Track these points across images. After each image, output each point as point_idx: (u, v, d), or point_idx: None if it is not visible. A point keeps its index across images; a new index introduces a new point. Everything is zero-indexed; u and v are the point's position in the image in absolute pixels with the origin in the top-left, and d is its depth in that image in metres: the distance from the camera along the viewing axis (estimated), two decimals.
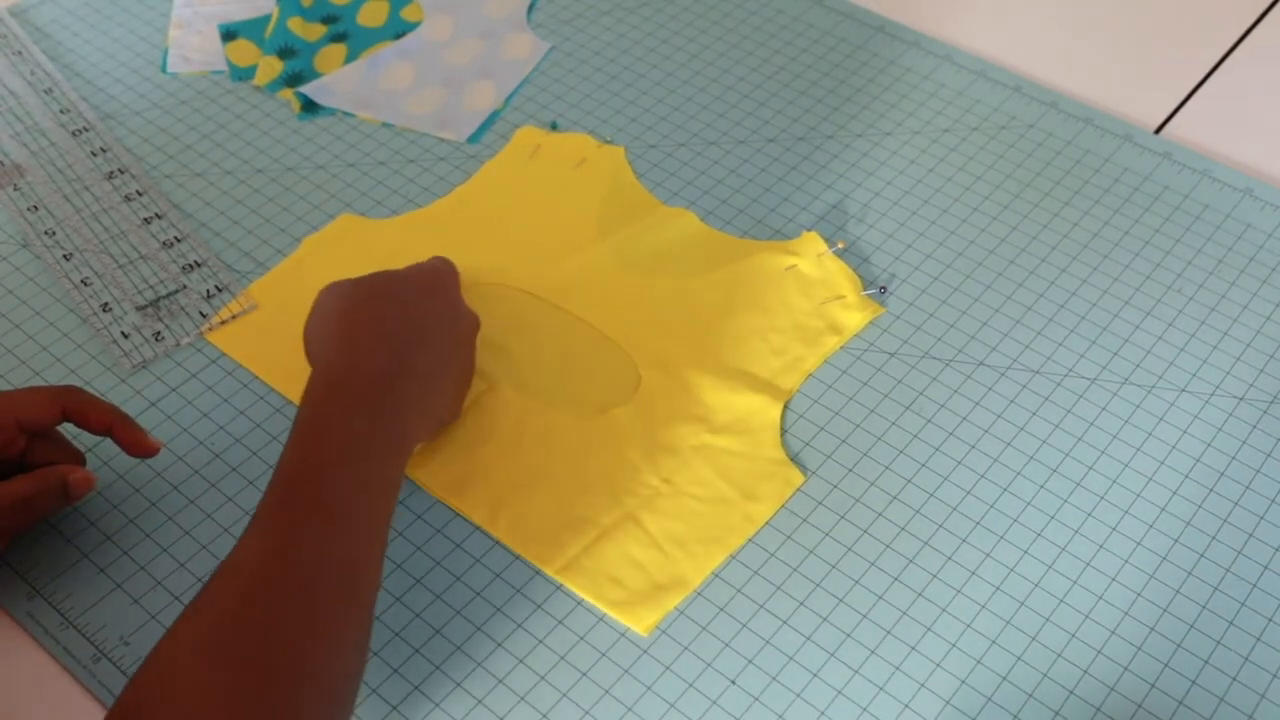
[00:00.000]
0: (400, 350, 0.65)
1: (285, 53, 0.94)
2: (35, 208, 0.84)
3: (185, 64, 0.95)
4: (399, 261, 0.81)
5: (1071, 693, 0.63)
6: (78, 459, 0.68)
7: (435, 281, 0.72)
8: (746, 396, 0.73)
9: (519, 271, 0.80)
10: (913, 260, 0.81)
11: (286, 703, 0.52)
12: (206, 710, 0.50)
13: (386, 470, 0.61)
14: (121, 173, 0.86)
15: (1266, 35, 0.97)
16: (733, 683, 0.63)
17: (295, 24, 0.96)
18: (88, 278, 0.80)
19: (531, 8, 0.99)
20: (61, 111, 0.90)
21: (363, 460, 0.60)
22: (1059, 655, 0.64)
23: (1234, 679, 0.63)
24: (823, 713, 0.62)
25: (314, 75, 0.93)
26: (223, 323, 0.77)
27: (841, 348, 0.76)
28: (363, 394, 0.62)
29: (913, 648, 0.64)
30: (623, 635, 0.65)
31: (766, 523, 0.69)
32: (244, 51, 0.95)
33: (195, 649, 0.52)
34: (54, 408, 0.66)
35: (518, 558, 0.68)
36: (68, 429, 0.68)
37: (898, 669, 0.64)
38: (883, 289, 0.79)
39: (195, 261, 0.81)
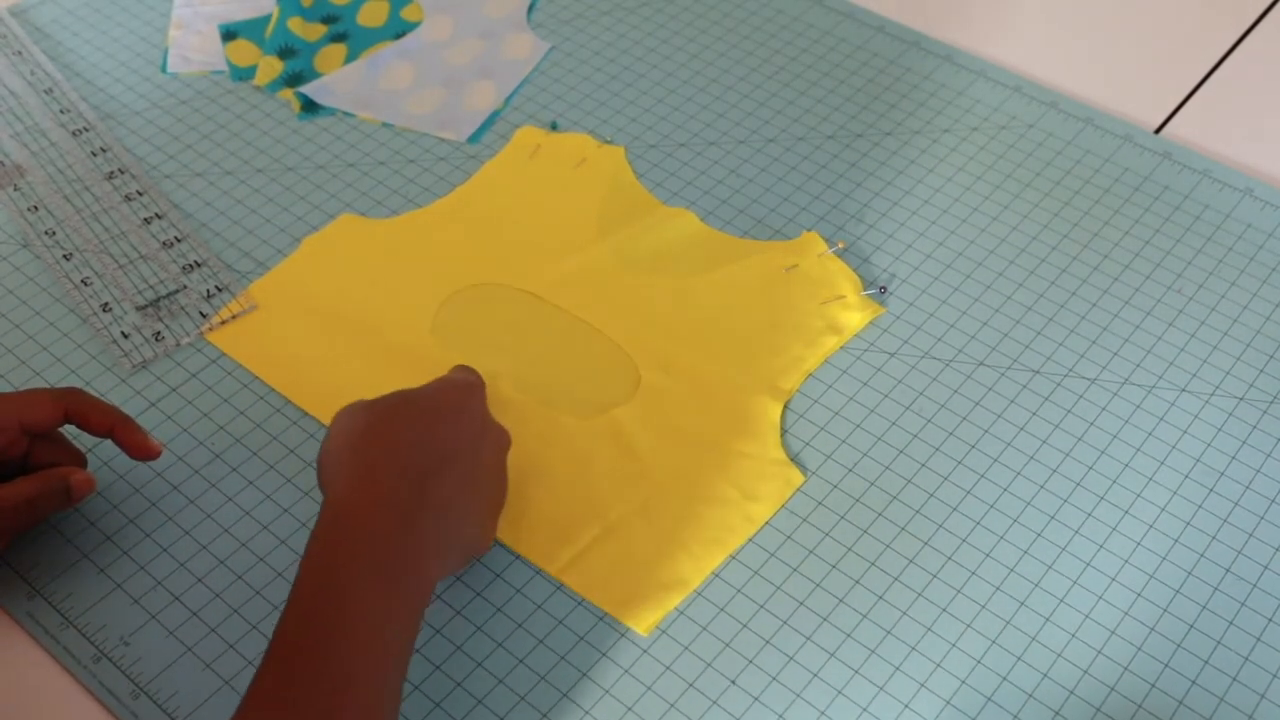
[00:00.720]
0: (419, 481, 0.59)
1: (285, 53, 0.94)
2: (35, 208, 0.84)
3: (185, 64, 0.95)
4: (399, 261, 0.81)
5: (1071, 693, 0.63)
6: (79, 460, 0.68)
7: (460, 399, 0.65)
8: (747, 396, 0.73)
9: (519, 271, 0.80)
10: (913, 260, 0.81)
11: None
12: None
13: (402, 629, 0.56)
14: (121, 173, 0.86)
15: (1266, 35, 0.97)
16: (733, 683, 0.63)
17: (295, 24, 0.96)
18: (88, 278, 0.80)
19: (531, 8, 0.99)
20: (61, 111, 0.90)
21: (377, 608, 0.54)
22: (1059, 655, 0.64)
23: (1234, 679, 0.63)
24: (823, 713, 0.62)
25: (314, 75, 0.93)
26: (223, 323, 0.77)
27: (841, 348, 0.76)
28: (377, 528, 0.56)
29: (913, 648, 0.64)
30: (623, 635, 0.65)
31: (766, 523, 0.69)
32: (244, 51, 0.95)
33: None
34: (56, 409, 0.66)
35: (518, 558, 0.68)
36: (69, 430, 0.68)
37: (898, 669, 0.64)
38: (883, 289, 0.79)
39: (195, 261, 0.81)
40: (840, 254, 0.81)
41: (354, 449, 0.59)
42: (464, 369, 0.70)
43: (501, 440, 0.66)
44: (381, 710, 0.54)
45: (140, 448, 0.67)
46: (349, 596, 0.54)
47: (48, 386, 0.74)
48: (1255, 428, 0.73)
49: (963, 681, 0.63)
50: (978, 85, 0.92)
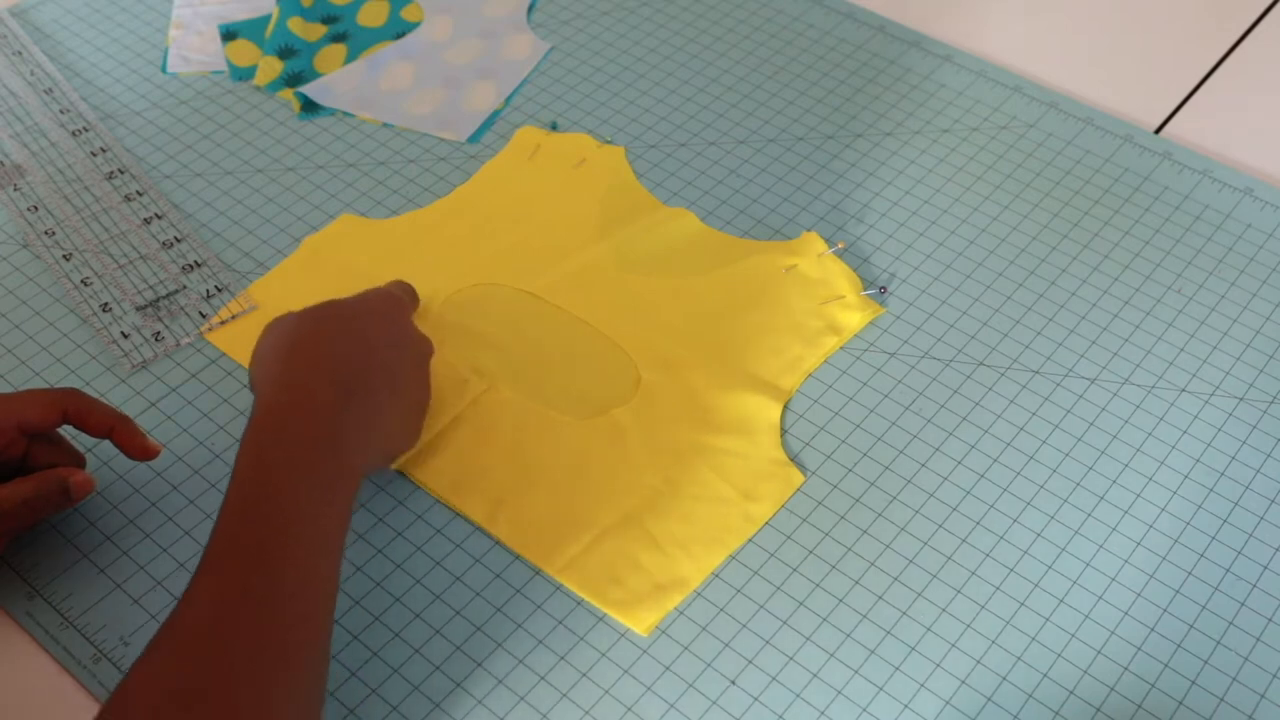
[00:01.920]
0: (344, 381, 0.63)
1: (285, 53, 0.94)
2: (35, 208, 0.84)
3: (185, 64, 0.95)
4: (399, 261, 0.81)
5: (1071, 693, 0.63)
6: (78, 461, 0.68)
7: (384, 307, 0.70)
8: (746, 396, 0.73)
9: (519, 271, 0.80)
10: (913, 260, 0.81)
11: None
12: None
13: (332, 509, 0.59)
14: (121, 173, 0.86)
15: (1266, 35, 0.97)
16: (733, 683, 0.63)
17: (295, 24, 0.96)
18: (88, 278, 0.80)
19: (531, 8, 0.99)
20: (61, 111, 0.90)
21: (306, 505, 0.58)
22: (1059, 655, 0.64)
23: (1234, 679, 0.63)
24: (823, 713, 0.62)
25: (314, 75, 0.93)
26: (222, 323, 0.77)
27: (841, 348, 0.76)
28: (304, 431, 0.60)
29: (912, 648, 0.64)
30: (623, 635, 0.65)
31: (766, 523, 0.69)
32: (244, 51, 0.95)
33: (145, 714, 0.51)
34: (55, 410, 0.66)
35: (518, 558, 0.68)
36: (68, 431, 0.68)
37: (897, 669, 0.64)
38: (883, 289, 0.79)
39: (195, 261, 0.81)
40: (840, 254, 0.81)
41: (282, 357, 0.63)
42: (397, 282, 0.75)
43: (424, 348, 0.70)
44: (320, 584, 0.57)
45: (139, 448, 0.67)
46: (282, 494, 0.58)
47: (47, 387, 0.74)
48: (1255, 428, 0.73)
49: (962, 681, 0.63)
50: (978, 85, 0.92)
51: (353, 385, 0.63)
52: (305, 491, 0.58)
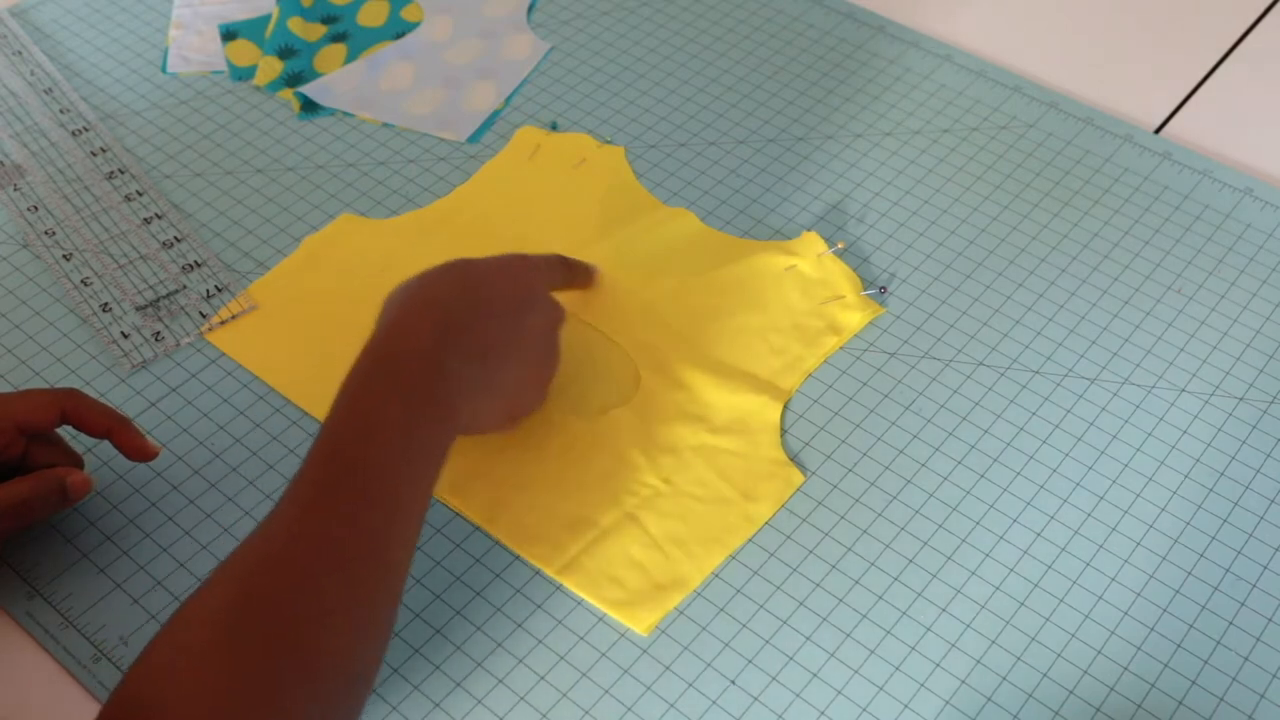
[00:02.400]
0: (449, 327, 0.62)
1: (285, 53, 0.94)
2: (35, 208, 0.84)
3: (185, 64, 0.95)
4: (399, 262, 0.81)
5: (1071, 693, 0.63)
6: (76, 461, 0.68)
7: (515, 268, 0.69)
8: (746, 396, 0.73)
9: None
10: (913, 260, 0.81)
11: (295, 691, 0.52)
12: (209, 694, 0.50)
13: (425, 452, 0.59)
14: (121, 173, 0.86)
15: (1266, 35, 0.97)
16: (733, 683, 0.63)
17: (295, 24, 0.96)
18: (88, 278, 0.80)
19: (531, 8, 0.99)
20: (61, 111, 0.90)
21: (398, 441, 0.58)
22: (1059, 655, 0.64)
23: (1234, 679, 0.63)
24: (823, 713, 0.62)
25: (314, 75, 0.93)
26: (222, 323, 0.77)
27: (841, 348, 0.76)
28: (402, 371, 0.60)
29: (912, 648, 0.64)
30: (623, 635, 0.65)
31: (766, 523, 0.69)
32: (244, 51, 0.95)
33: (204, 627, 0.52)
34: (53, 410, 0.66)
35: (518, 558, 0.68)
36: (67, 430, 0.68)
37: (898, 669, 0.64)
38: (883, 289, 0.79)
39: (195, 261, 0.81)
40: (840, 254, 0.81)
41: (395, 302, 0.64)
42: (556, 257, 0.74)
43: (552, 313, 0.69)
44: (403, 525, 0.58)
45: (138, 449, 0.67)
46: (375, 429, 0.58)
47: (47, 387, 0.74)
48: (1255, 428, 0.73)
49: (962, 681, 0.63)
50: (978, 85, 0.92)
51: (458, 333, 0.62)
52: (398, 429, 0.58)
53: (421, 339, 0.61)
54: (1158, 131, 0.90)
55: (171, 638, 0.52)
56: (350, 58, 0.95)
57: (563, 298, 0.78)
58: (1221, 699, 0.63)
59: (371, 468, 0.57)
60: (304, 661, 0.52)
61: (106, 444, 0.68)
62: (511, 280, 0.68)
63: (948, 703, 0.62)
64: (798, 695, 0.63)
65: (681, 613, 0.66)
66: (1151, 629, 0.65)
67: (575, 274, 0.75)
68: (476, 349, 0.63)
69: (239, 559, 0.54)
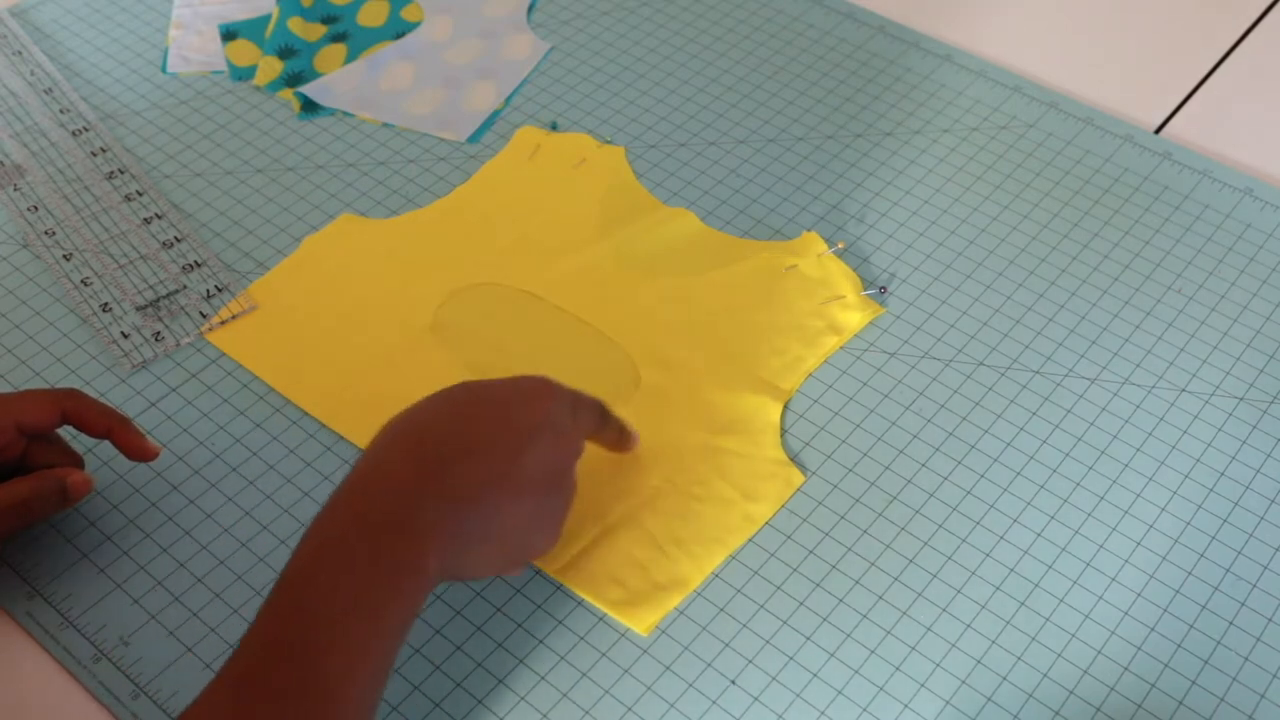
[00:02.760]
0: (435, 469, 0.56)
1: (285, 53, 0.94)
2: (35, 208, 0.84)
3: (185, 64, 0.95)
4: (399, 261, 0.81)
5: (1071, 693, 0.63)
6: (76, 462, 0.68)
7: (529, 390, 0.60)
8: (746, 396, 0.73)
9: (519, 271, 0.80)
10: (913, 260, 0.81)
11: None
12: None
13: (392, 607, 0.53)
14: (121, 173, 0.86)
15: (1266, 35, 0.97)
16: (733, 683, 0.63)
17: (295, 24, 0.96)
18: (88, 278, 0.80)
19: (531, 8, 0.99)
20: (61, 111, 0.90)
21: (361, 599, 0.52)
22: (1059, 655, 0.64)
23: (1234, 679, 0.63)
24: (823, 713, 0.62)
25: (314, 75, 0.93)
26: (223, 323, 0.77)
27: (841, 348, 0.76)
28: (369, 523, 0.54)
29: (913, 648, 0.64)
30: (623, 635, 0.65)
31: (766, 523, 0.69)
32: (244, 51, 0.95)
33: None
34: (53, 410, 0.65)
35: None
36: (67, 431, 0.68)
37: (898, 669, 0.64)
38: (883, 289, 0.79)
39: (195, 261, 0.81)
40: (840, 254, 0.81)
41: (390, 429, 0.58)
42: (583, 396, 0.64)
43: (566, 445, 0.61)
44: (354, 705, 0.52)
45: (138, 449, 0.67)
46: (333, 586, 0.53)
47: (47, 387, 0.74)
48: (1255, 428, 0.73)
49: (963, 681, 0.63)
50: (978, 85, 0.92)
51: (445, 471, 0.56)
52: (362, 584, 0.53)
53: (397, 485, 0.55)
54: (1158, 131, 0.90)
55: None
56: (350, 58, 0.95)
57: (564, 298, 0.78)
58: (1222, 699, 0.63)
59: (321, 631, 0.52)
60: None
61: (106, 444, 0.68)
62: (521, 406, 0.59)
63: (948, 703, 0.62)
64: (798, 695, 0.63)
65: (681, 613, 0.66)
66: (1152, 629, 0.65)
67: (609, 427, 0.66)
68: (461, 493, 0.56)
69: None
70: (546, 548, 0.63)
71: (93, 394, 0.72)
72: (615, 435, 0.67)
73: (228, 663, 0.52)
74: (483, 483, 0.57)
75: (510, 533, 0.59)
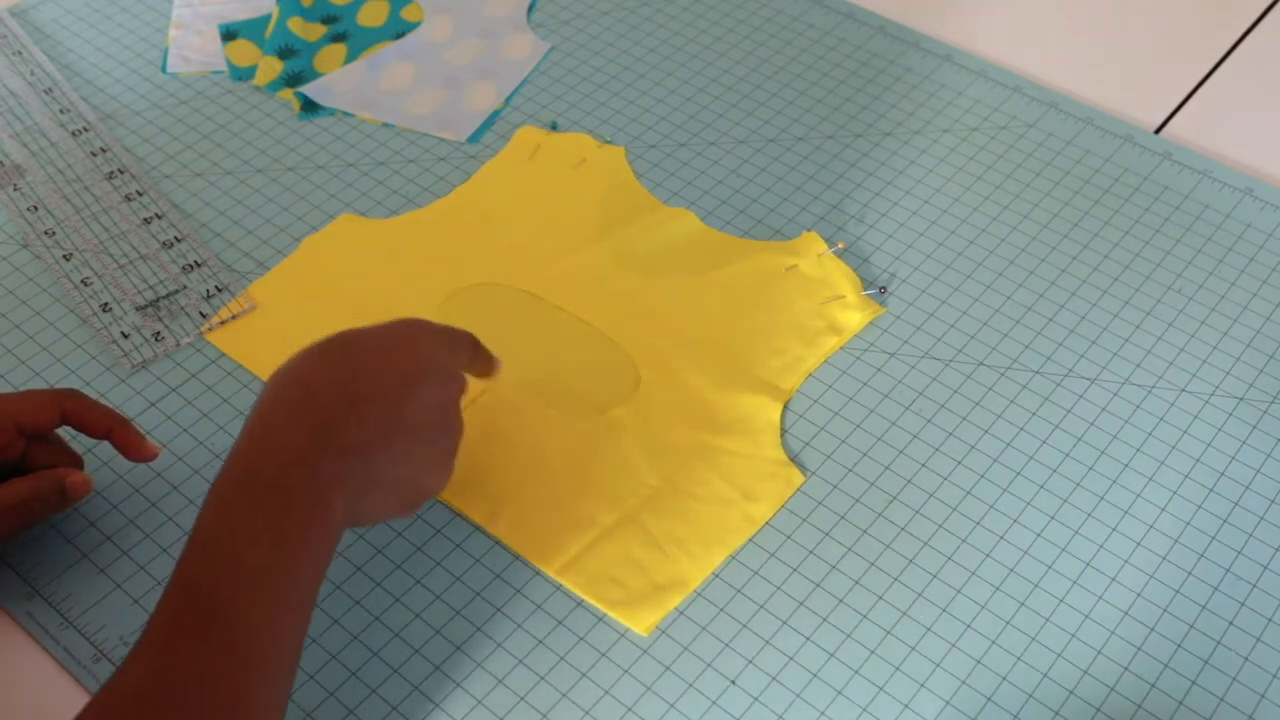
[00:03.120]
0: (326, 422, 0.56)
1: (285, 53, 0.94)
2: (35, 208, 0.84)
3: (185, 64, 0.95)
4: (399, 261, 0.81)
5: (1071, 693, 0.63)
6: (76, 462, 0.68)
7: (402, 336, 0.61)
8: (746, 396, 0.73)
9: (519, 271, 0.80)
10: (913, 260, 0.81)
11: None
12: None
13: (301, 564, 0.54)
14: (121, 173, 0.86)
15: (1266, 35, 0.97)
16: (733, 683, 0.63)
17: (295, 24, 0.96)
18: (88, 278, 0.80)
19: (531, 8, 0.99)
20: (61, 111, 0.90)
21: (270, 560, 0.53)
22: (1059, 655, 0.64)
23: (1234, 679, 0.63)
24: (823, 713, 0.62)
25: (314, 75, 0.93)
26: (222, 323, 0.77)
27: (841, 348, 0.76)
28: (273, 481, 0.55)
29: (913, 648, 0.64)
30: (623, 635, 0.65)
31: (766, 523, 0.69)
32: (244, 51, 0.95)
33: None
34: (53, 411, 0.65)
35: (518, 558, 0.68)
36: (67, 431, 0.68)
37: (898, 669, 0.64)
38: (883, 289, 0.79)
39: (195, 261, 0.81)
40: (840, 254, 0.81)
41: (273, 390, 0.58)
42: (458, 333, 0.65)
43: (449, 384, 0.62)
44: (276, 658, 0.53)
45: (137, 450, 0.67)
46: (241, 550, 0.53)
47: (47, 387, 0.74)
48: (1255, 428, 0.73)
49: (963, 682, 0.63)
50: (978, 85, 0.92)
51: (333, 431, 0.56)
52: (269, 546, 0.53)
53: (293, 438, 0.56)
54: (1158, 131, 0.90)
55: None
56: (350, 58, 0.95)
57: (564, 298, 0.78)
58: (1222, 699, 0.63)
59: (233, 600, 0.52)
60: None
61: (106, 444, 0.68)
62: (399, 354, 0.60)
63: (948, 703, 0.62)
64: (798, 695, 0.63)
65: (681, 613, 0.66)
66: (1152, 629, 0.65)
67: (480, 358, 0.67)
68: (356, 444, 0.57)
69: (95, 709, 0.50)
70: (439, 487, 0.63)
71: (93, 394, 0.72)
72: (484, 364, 0.67)
73: (144, 629, 0.52)
74: (373, 432, 0.58)
75: (404, 477, 0.60)
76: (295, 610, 0.54)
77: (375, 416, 0.58)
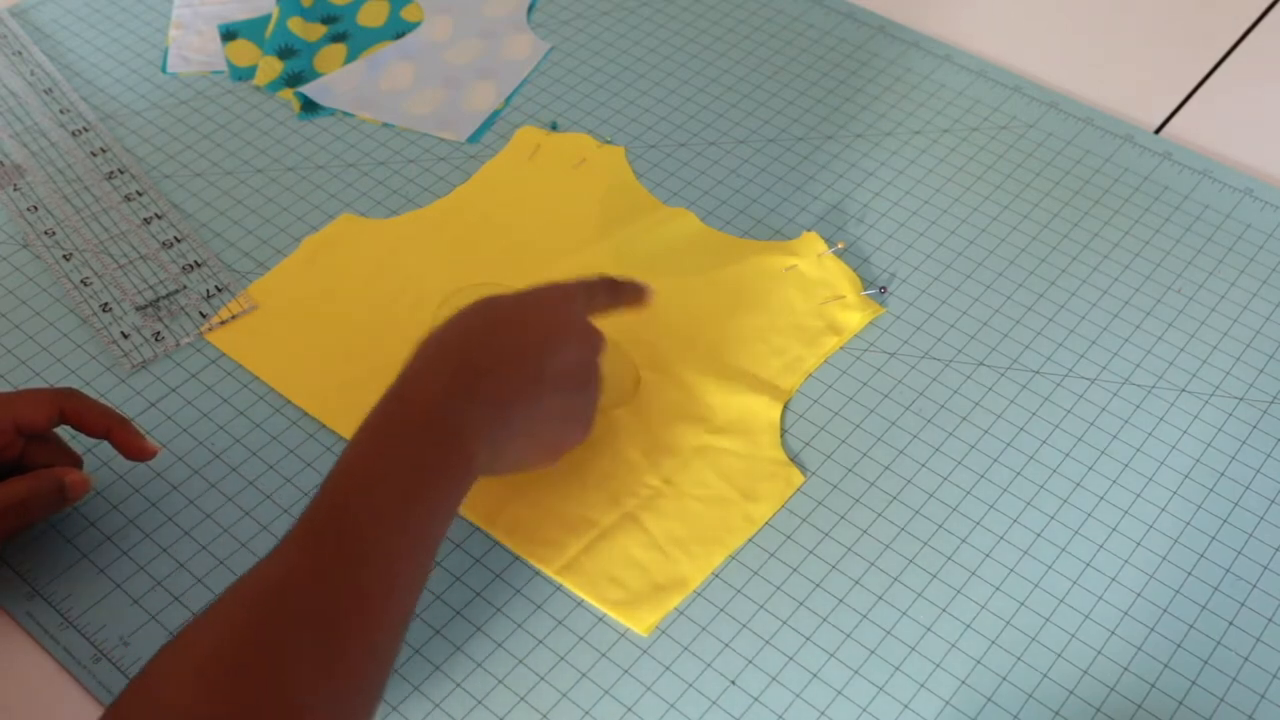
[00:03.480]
0: (467, 373, 0.60)
1: (285, 53, 0.94)
2: (35, 208, 0.84)
3: (185, 64, 0.95)
4: (399, 261, 0.81)
5: (1071, 693, 0.63)
6: (75, 461, 0.68)
7: (545, 300, 0.66)
8: (746, 397, 0.73)
9: (519, 271, 0.80)
10: (913, 260, 0.81)
11: None
12: None
13: (436, 502, 0.58)
14: (121, 173, 0.86)
15: (1266, 35, 0.97)
16: (733, 683, 0.63)
17: (295, 24, 0.96)
18: (88, 278, 0.80)
19: (531, 8, 0.99)
20: (61, 111, 0.90)
21: (398, 500, 0.56)
22: (1059, 655, 0.64)
23: (1234, 679, 0.63)
24: (823, 713, 0.62)
25: (314, 75, 0.93)
26: (222, 323, 0.77)
27: (841, 348, 0.76)
28: (413, 419, 0.59)
29: (912, 648, 0.64)
30: (623, 635, 0.65)
31: (766, 523, 0.69)
32: (244, 51, 0.95)
33: (182, 680, 0.50)
34: (51, 410, 0.65)
35: (518, 558, 0.68)
36: (67, 431, 0.68)
37: (897, 669, 0.64)
38: (883, 289, 0.79)
39: (195, 261, 0.81)
40: (840, 254, 0.81)
41: (425, 344, 0.62)
42: (598, 281, 0.70)
43: (588, 343, 0.66)
44: (401, 579, 0.56)
45: (136, 449, 0.67)
46: (381, 481, 0.57)
47: (46, 386, 0.74)
48: (1255, 428, 0.73)
49: (962, 682, 0.63)
50: (978, 85, 0.92)
51: (475, 379, 0.60)
52: (408, 481, 0.57)
53: (436, 386, 0.60)
54: (1158, 131, 0.90)
55: (149, 686, 0.50)
56: (350, 58, 0.95)
57: None
58: (1222, 699, 0.63)
59: (369, 523, 0.55)
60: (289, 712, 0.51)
61: (106, 444, 0.68)
62: (541, 317, 0.65)
63: (948, 703, 0.62)
64: (798, 696, 0.63)
65: (681, 613, 0.66)
66: (1152, 629, 0.65)
67: (622, 293, 0.71)
68: (497, 396, 0.61)
69: (222, 607, 0.53)
70: (580, 438, 0.67)
71: (93, 394, 0.72)
72: (631, 297, 0.71)
73: (284, 538, 0.55)
74: (516, 388, 0.62)
75: (544, 428, 0.64)
76: (423, 540, 0.57)
77: (519, 373, 0.62)
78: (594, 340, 0.67)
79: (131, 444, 0.67)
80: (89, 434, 0.67)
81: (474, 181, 0.86)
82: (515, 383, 0.62)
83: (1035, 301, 0.79)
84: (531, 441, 0.64)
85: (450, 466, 0.59)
